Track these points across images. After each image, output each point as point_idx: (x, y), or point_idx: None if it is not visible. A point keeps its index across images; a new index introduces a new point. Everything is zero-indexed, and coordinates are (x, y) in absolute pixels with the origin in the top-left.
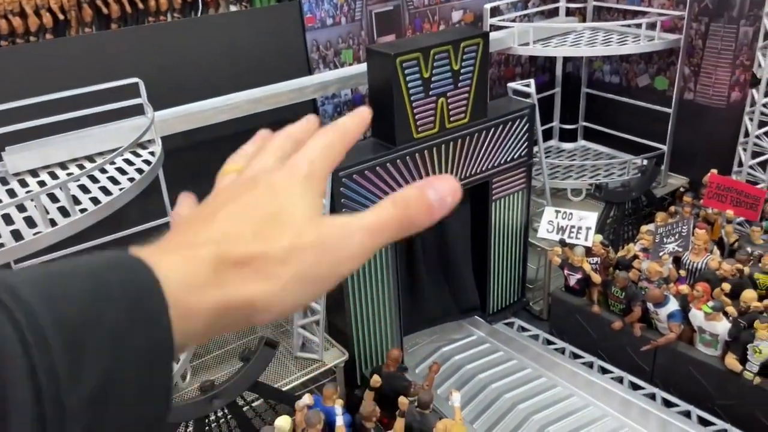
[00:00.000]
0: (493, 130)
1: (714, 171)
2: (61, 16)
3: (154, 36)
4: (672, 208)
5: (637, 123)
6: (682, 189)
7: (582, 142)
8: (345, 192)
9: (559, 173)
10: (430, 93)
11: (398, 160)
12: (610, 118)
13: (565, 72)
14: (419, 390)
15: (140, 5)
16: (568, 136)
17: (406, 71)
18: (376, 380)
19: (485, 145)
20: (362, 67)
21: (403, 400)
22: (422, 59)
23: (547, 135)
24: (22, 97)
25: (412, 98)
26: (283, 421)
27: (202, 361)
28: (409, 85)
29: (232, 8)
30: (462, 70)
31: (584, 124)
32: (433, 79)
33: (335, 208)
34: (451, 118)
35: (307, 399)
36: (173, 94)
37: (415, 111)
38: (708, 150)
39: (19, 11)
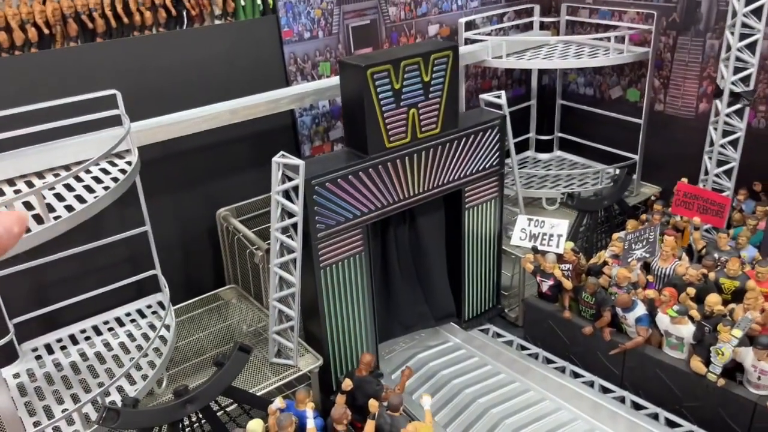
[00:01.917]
0: (464, 140)
1: (684, 180)
2: (46, 31)
3: (135, 49)
4: (643, 216)
5: (611, 133)
6: (653, 197)
7: (558, 153)
8: (318, 200)
9: (534, 183)
10: (401, 104)
11: (370, 169)
12: (584, 129)
13: (541, 84)
14: (390, 394)
15: (125, 20)
16: (544, 146)
17: (377, 82)
18: (347, 384)
19: (457, 154)
20: (337, 79)
21: (373, 403)
22: (393, 71)
23: (524, 146)
24: (5, 107)
25: (383, 109)
26: (255, 424)
27: (180, 369)
28: (380, 96)
29: (217, 22)
30: (432, 82)
31: (560, 135)
32: (404, 90)
33: (308, 215)
34: (423, 129)
35: (278, 403)
36: (154, 105)
37: (386, 121)
38: (678, 159)
39: (4, 26)
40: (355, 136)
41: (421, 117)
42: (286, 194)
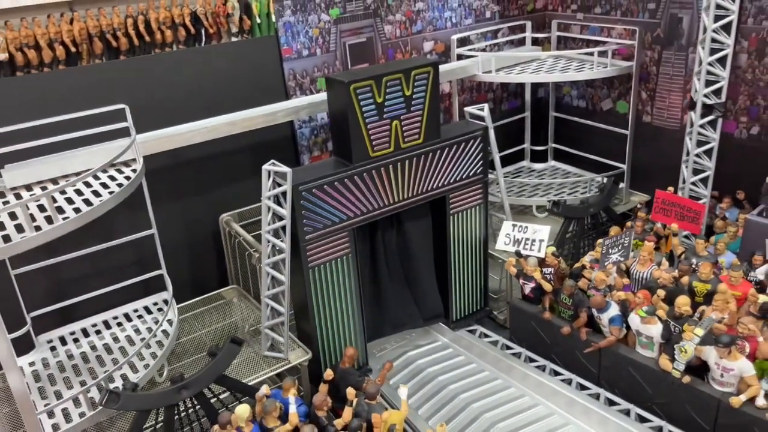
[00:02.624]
0: (447, 149)
1: (670, 189)
2: (73, 49)
3: (147, 67)
4: (628, 223)
5: (602, 144)
6: (638, 205)
7: (552, 163)
8: (305, 204)
9: (526, 191)
10: (384, 116)
11: (356, 176)
12: (577, 139)
13: (537, 97)
14: (369, 384)
15: (147, 38)
16: (539, 156)
17: (360, 97)
18: (328, 374)
19: (440, 163)
20: None
21: (351, 391)
22: (375, 86)
23: (519, 156)
24: (29, 120)
25: (366, 121)
26: (242, 409)
27: (182, 363)
28: (364, 109)
29: (234, 39)
30: (414, 96)
31: (554, 145)
32: (386, 103)
33: (296, 219)
34: (406, 139)
35: (264, 390)
36: (163, 118)
37: (370, 132)
38: (665, 169)
39: (34, 44)
40: (342, 146)
41: (404, 128)
42: (276, 199)
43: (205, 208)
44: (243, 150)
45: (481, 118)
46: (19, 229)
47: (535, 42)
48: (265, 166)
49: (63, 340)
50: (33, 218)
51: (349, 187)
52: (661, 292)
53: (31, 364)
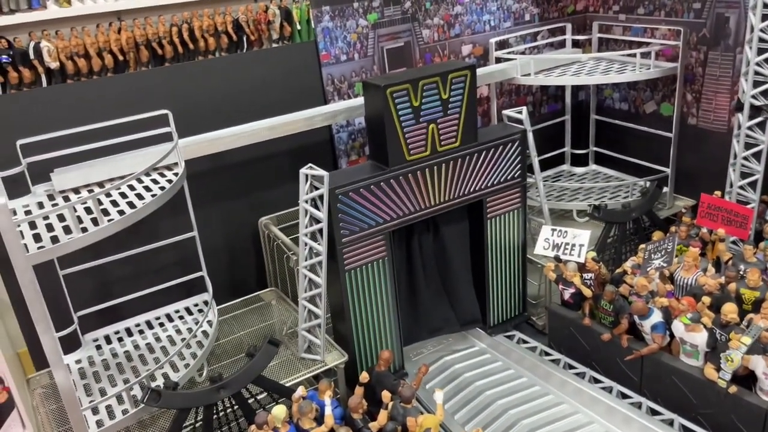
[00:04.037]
0: (484, 153)
1: (717, 193)
2: (120, 57)
3: (189, 73)
4: (672, 228)
5: (645, 148)
6: (683, 210)
7: (593, 166)
8: (341, 207)
9: (566, 195)
10: (421, 119)
11: (392, 180)
12: (619, 143)
13: (578, 100)
14: (405, 388)
15: (191, 45)
16: (580, 160)
17: (397, 101)
18: (364, 376)
19: (477, 166)
20: None
21: (386, 394)
22: (411, 90)
23: (559, 160)
24: (77, 126)
25: (403, 124)
26: (279, 410)
27: (221, 364)
28: (400, 112)
29: (275, 46)
30: (451, 99)
31: (595, 149)
32: (423, 107)
33: (333, 222)
34: (442, 143)
35: (301, 391)
36: (206, 123)
37: (406, 136)
38: (712, 172)
39: (84, 53)
40: (378, 150)
41: (441, 132)
42: (314, 202)
43: (245, 212)
44: (282, 154)
45: (520, 121)
46: (67, 230)
47: (576, 44)
48: (303, 170)
49: (108, 339)
50: (80, 220)
51: (386, 190)
52: (707, 299)
53: (78, 361)
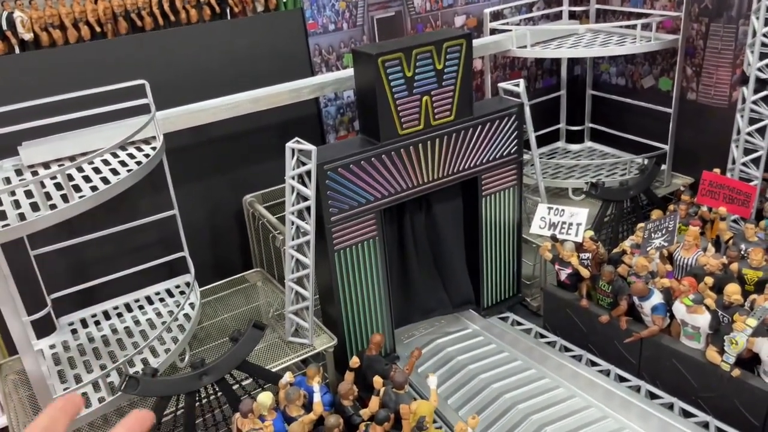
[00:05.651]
0: (480, 127)
1: (717, 170)
2: (98, 29)
3: (168, 42)
4: (671, 207)
5: (642, 124)
6: (681, 188)
7: (588, 143)
8: (330, 184)
9: (561, 173)
10: (414, 91)
11: (383, 155)
12: (615, 119)
13: (573, 75)
14: (397, 373)
15: (172, 17)
16: (575, 137)
17: (389, 70)
18: (354, 361)
19: (472, 142)
20: None
21: (377, 380)
22: (404, 59)
23: (555, 136)
24: (48, 96)
25: (395, 96)
26: (264, 397)
27: (204, 348)
28: (392, 83)
29: (260, 11)
30: (446, 70)
31: (590, 125)
32: (416, 78)
33: (321, 199)
34: (437, 116)
35: (288, 377)
36: (185, 94)
37: (398, 108)
38: (711, 149)
39: (59, 24)
40: (369, 124)
41: (435, 104)
42: (301, 179)
43: (229, 189)
44: (267, 129)
45: (517, 95)
46: (35, 207)
47: (573, 16)
48: (289, 144)
49: (84, 323)
50: (49, 196)
51: (377, 166)
52: (709, 280)
53: (52, 346)
